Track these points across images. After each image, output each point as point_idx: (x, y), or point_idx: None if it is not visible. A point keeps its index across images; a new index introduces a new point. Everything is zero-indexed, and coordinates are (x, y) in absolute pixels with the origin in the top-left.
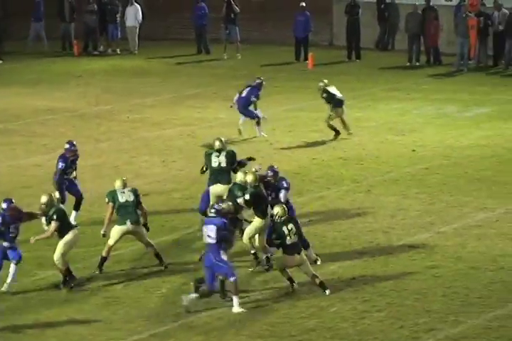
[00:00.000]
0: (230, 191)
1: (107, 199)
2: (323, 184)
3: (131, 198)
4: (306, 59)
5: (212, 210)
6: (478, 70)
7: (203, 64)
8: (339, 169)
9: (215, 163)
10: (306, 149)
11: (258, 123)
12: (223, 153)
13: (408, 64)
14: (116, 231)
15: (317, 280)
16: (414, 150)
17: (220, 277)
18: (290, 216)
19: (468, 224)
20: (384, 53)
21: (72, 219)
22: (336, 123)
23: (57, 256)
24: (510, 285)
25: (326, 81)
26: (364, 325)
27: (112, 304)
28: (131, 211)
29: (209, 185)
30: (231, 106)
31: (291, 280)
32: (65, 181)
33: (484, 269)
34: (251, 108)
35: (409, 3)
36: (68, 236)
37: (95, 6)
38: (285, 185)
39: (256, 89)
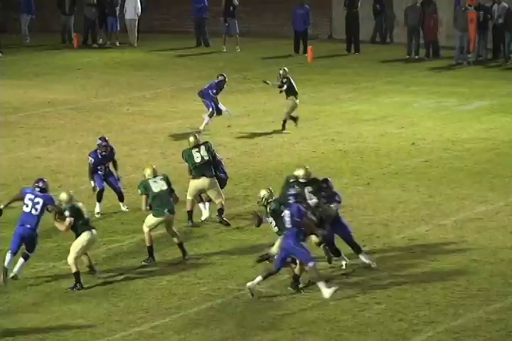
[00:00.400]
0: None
1: (139, 191)
2: (322, 177)
3: (165, 187)
4: (305, 52)
5: (291, 196)
6: (477, 64)
7: (202, 57)
8: (339, 162)
9: (197, 159)
10: (305, 142)
11: (210, 116)
12: (202, 147)
13: (407, 57)
14: (152, 221)
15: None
16: (413, 144)
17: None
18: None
19: (468, 217)
20: (383, 46)
21: (123, 209)
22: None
23: (70, 259)
24: (510, 278)
25: (286, 69)
26: (364, 317)
27: (112, 296)
28: (166, 200)
29: (193, 179)
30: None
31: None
32: (102, 174)
33: (484, 262)
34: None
35: None
36: (81, 239)
37: None
38: (338, 199)
39: (216, 86)
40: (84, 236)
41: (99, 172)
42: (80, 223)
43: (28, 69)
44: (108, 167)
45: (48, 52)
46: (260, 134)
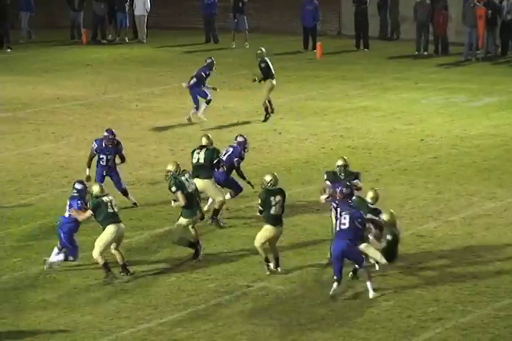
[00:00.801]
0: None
1: (174, 188)
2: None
3: (194, 186)
4: (314, 48)
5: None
6: (486, 60)
7: (211, 53)
8: (347, 158)
9: (194, 159)
10: (314, 138)
11: (197, 109)
12: (204, 150)
13: (416, 53)
14: (183, 222)
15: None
16: (422, 140)
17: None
18: (281, 189)
19: (477, 214)
20: (392, 43)
21: (132, 202)
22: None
23: (95, 253)
24: None
25: (263, 49)
26: (372, 313)
27: (120, 292)
28: (197, 201)
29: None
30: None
31: (267, 260)
32: (104, 165)
33: (493, 259)
34: (202, 93)
35: None
36: (105, 232)
37: None
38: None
39: (207, 67)
40: (109, 229)
41: (101, 162)
42: (103, 216)
43: (37, 65)
44: (112, 160)
45: (57, 48)
46: (269, 130)
